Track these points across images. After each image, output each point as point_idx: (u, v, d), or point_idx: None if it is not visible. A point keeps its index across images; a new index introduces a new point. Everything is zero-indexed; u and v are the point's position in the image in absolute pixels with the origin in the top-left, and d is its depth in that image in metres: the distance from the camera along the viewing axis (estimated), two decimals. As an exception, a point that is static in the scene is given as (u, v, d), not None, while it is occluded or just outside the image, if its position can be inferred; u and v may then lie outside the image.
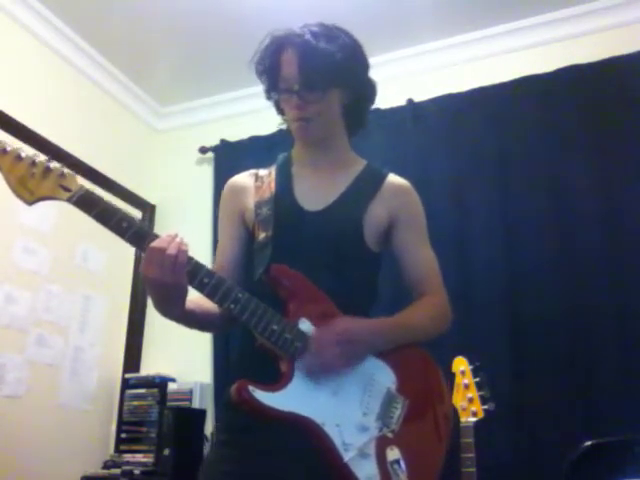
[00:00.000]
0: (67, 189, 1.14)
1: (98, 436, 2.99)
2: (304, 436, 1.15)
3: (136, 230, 1.14)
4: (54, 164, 1.15)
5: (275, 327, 1.18)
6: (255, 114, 3.33)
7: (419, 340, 1.35)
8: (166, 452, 2.61)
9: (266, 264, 1.29)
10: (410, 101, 2.98)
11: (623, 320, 2.35)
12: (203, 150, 3.46)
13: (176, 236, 1.15)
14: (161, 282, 1.12)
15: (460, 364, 1.94)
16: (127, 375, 3.07)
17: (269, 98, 1.47)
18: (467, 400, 1.88)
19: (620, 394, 2.25)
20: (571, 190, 2.58)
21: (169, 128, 3.70)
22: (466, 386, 1.90)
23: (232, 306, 1.17)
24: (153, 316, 3.28)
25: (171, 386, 2.95)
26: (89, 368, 2.99)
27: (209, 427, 2.85)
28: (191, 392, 2.91)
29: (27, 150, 1.14)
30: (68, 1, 2.89)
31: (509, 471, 2.23)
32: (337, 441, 1.15)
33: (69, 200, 1.14)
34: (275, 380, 1.17)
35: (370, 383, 1.24)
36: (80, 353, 2.94)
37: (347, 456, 1.14)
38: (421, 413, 1.28)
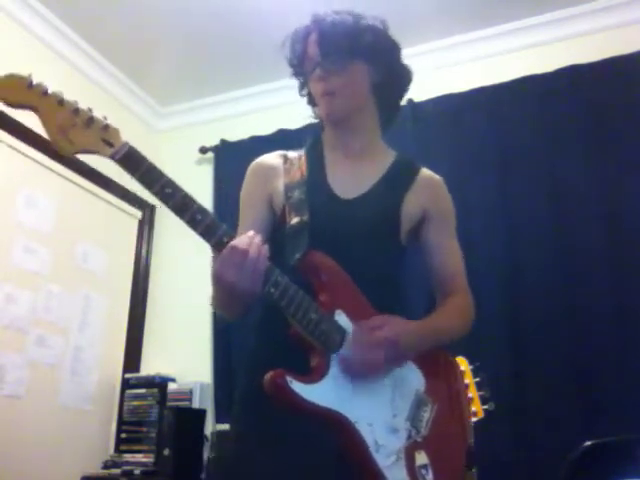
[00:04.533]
0: (110, 144, 1.02)
1: (98, 436, 2.99)
2: (330, 429, 1.10)
3: (182, 197, 1.04)
4: (96, 115, 1.02)
5: (313, 316, 1.11)
6: (255, 114, 3.34)
7: (448, 342, 1.34)
8: (166, 452, 2.61)
9: (304, 250, 1.20)
10: (410, 101, 2.98)
11: (623, 320, 2.35)
12: (203, 150, 3.46)
13: (256, 236, 1.06)
14: (236, 287, 1.04)
15: (460, 364, 1.94)
16: (127, 375, 3.07)
17: (302, 89, 1.45)
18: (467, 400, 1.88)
19: (620, 394, 2.26)
20: (571, 190, 2.59)
21: (169, 128, 3.70)
22: (466, 386, 1.90)
23: (272, 290, 1.08)
24: (153, 316, 3.29)
25: (171, 386, 2.96)
26: (89, 368, 2.99)
27: (209, 427, 2.85)
28: (191, 392, 2.91)
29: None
30: (68, 1, 2.90)
31: (509, 471, 2.23)
32: (369, 440, 1.11)
33: (112, 157, 1.02)
34: (301, 371, 1.09)
35: (400, 384, 1.21)
36: (80, 353, 2.94)
37: (380, 458, 1.11)
38: (447, 417, 1.27)
